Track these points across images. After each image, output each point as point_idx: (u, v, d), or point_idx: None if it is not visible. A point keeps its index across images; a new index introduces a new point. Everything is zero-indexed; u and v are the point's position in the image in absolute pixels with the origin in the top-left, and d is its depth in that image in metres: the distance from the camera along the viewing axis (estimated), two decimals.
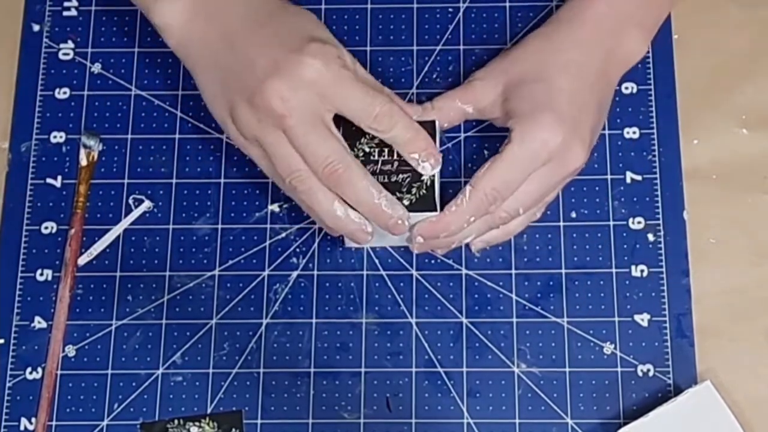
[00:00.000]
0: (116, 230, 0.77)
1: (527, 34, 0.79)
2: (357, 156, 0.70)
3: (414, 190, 0.70)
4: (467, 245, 0.76)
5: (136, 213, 0.78)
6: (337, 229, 0.70)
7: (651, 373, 0.74)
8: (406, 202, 0.70)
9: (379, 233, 0.73)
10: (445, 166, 0.75)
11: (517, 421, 0.74)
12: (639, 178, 0.78)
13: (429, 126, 0.71)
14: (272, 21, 0.70)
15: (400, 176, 0.70)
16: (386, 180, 0.70)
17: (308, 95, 0.67)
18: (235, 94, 0.68)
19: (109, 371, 0.75)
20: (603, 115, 0.75)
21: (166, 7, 0.71)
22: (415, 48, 0.82)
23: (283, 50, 0.67)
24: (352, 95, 0.68)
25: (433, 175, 0.70)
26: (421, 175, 0.70)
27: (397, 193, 0.70)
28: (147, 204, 0.78)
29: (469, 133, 0.79)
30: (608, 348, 0.75)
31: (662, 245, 0.77)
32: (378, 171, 0.70)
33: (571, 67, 0.73)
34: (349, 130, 0.70)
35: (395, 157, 0.70)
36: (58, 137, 0.80)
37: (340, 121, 0.70)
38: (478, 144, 0.79)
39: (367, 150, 0.70)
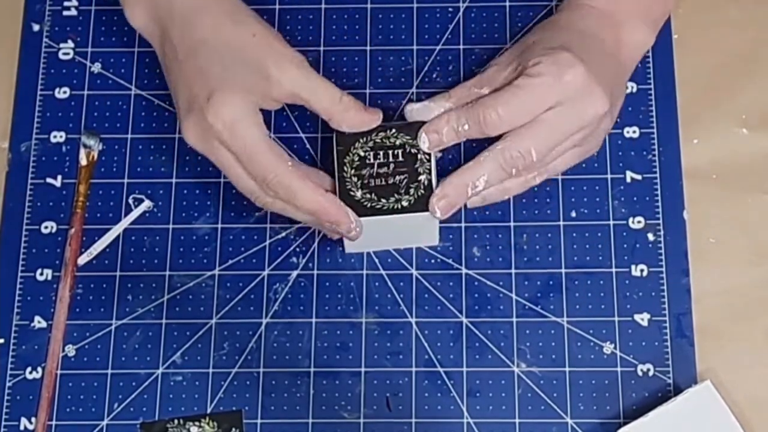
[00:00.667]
0: (116, 230, 0.77)
1: (527, 33, 0.78)
2: (352, 161, 0.70)
3: (412, 191, 0.70)
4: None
5: (136, 213, 0.78)
6: (325, 215, 0.70)
7: (651, 373, 0.75)
8: (404, 203, 0.70)
9: (380, 235, 0.73)
10: (443, 165, 0.75)
11: (517, 420, 0.74)
12: (639, 177, 0.78)
13: (417, 126, 0.71)
14: (200, 51, 0.70)
15: (397, 178, 0.70)
16: (383, 183, 0.70)
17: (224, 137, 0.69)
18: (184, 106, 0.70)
19: (109, 371, 0.75)
20: (618, 96, 0.74)
21: (128, 11, 0.73)
22: (415, 48, 0.82)
23: (198, 93, 0.69)
24: (249, 161, 0.68)
25: (430, 176, 0.70)
26: (419, 176, 0.70)
27: (395, 195, 0.70)
28: (147, 204, 0.78)
29: None
30: (608, 348, 0.75)
31: (662, 245, 0.77)
32: (374, 174, 0.70)
33: (581, 45, 0.71)
34: (342, 136, 0.70)
35: (390, 159, 0.71)
36: (58, 137, 0.80)
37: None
38: (478, 143, 0.77)
39: (362, 154, 0.70)
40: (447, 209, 0.71)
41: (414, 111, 0.72)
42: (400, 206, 0.70)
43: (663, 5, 0.77)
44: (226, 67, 0.68)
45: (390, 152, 0.70)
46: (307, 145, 0.80)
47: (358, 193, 0.71)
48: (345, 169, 0.70)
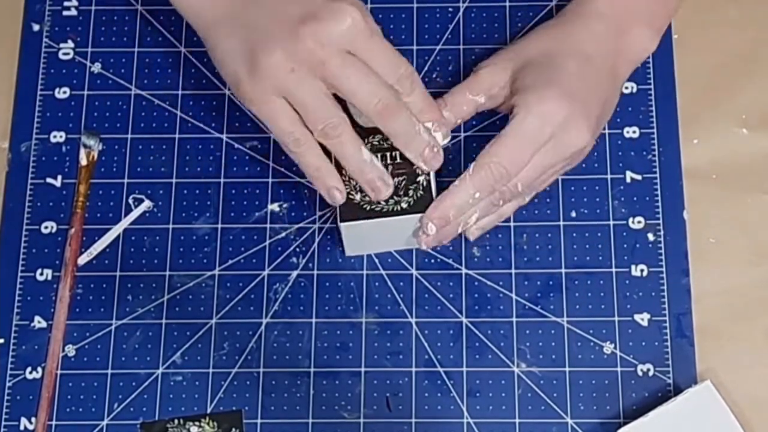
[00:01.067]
0: (116, 230, 0.78)
1: (527, 33, 0.79)
2: None
3: (411, 192, 0.71)
4: (465, 239, 0.76)
5: (136, 213, 0.78)
6: (360, 176, 0.70)
7: (651, 373, 0.75)
8: (404, 205, 0.70)
9: (380, 237, 0.74)
10: (444, 165, 0.75)
11: (517, 420, 0.74)
12: (639, 177, 0.79)
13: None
14: None
15: (396, 179, 0.71)
16: None
17: (342, 45, 0.67)
18: (263, 44, 0.68)
19: (109, 371, 0.75)
20: (609, 109, 0.75)
21: None
22: (415, 47, 0.83)
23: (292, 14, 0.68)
24: (382, 50, 0.69)
25: (429, 177, 0.71)
26: (417, 177, 0.71)
27: (394, 197, 0.70)
28: (147, 203, 0.78)
29: (469, 133, 0.80)
30: (608, 348, 0.75)
31: (662, 245, 0.77)
32: None
33: (580, 54, 0.73)
34: None
35: (388, 161, 0.71)
36: (58, 137, 0.81)
37: None
38: (478, 143, 0.79)
39: None
40: (436, 244, 0.73)
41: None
42: (399, 208, 0.70)
43: (666, 11, 0.77)
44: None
45: (388, 154, 0.71)
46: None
47: (357, 197, 0.71)
48: (343, 171, 0.70)
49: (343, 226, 0.72)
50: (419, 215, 0.71)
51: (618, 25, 0.75)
